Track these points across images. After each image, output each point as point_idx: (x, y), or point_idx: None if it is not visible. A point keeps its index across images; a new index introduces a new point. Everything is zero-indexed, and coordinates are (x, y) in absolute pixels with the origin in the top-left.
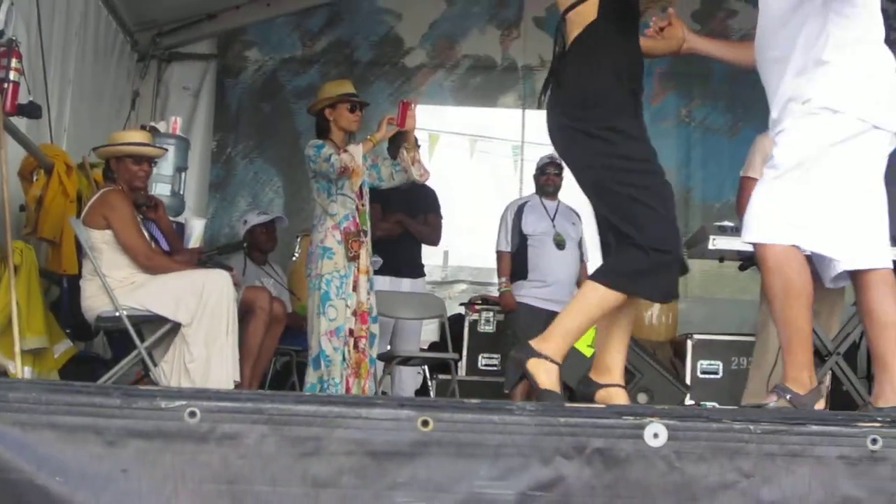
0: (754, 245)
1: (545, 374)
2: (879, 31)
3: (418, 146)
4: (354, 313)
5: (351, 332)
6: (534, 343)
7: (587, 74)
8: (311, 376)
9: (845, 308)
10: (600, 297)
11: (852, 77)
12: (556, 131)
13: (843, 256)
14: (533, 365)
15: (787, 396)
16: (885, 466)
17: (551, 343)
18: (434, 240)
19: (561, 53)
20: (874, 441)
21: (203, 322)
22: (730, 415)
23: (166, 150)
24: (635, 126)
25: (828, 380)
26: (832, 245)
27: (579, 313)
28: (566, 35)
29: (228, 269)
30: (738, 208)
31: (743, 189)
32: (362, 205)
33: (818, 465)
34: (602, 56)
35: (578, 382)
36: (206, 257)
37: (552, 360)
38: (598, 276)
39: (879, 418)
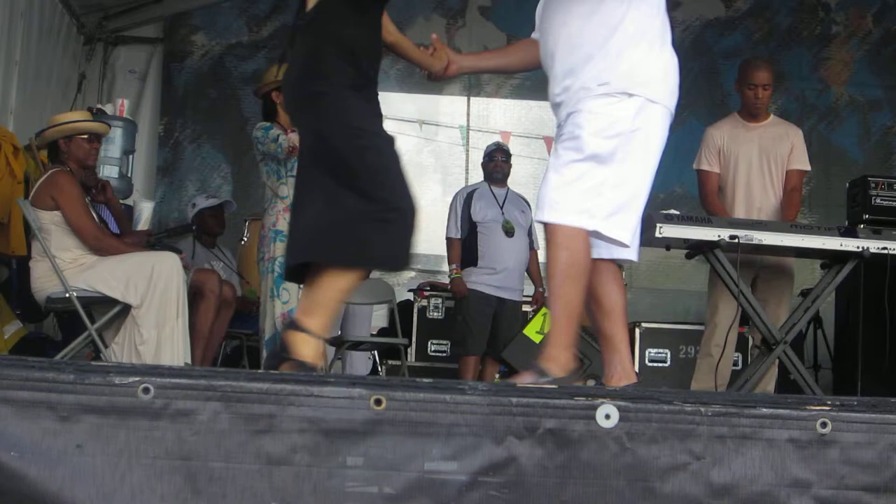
0: (545, 223)
1: (305, 347)
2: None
3: None
4: None
5: None
6: (299, 316)
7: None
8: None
9: (793, 298)
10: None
11: (646, 60)
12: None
13: (627, 239)
14: (291, 336)
15: (543, 379)
16: (835, 450)
17: (315, 319)
18: None
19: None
20: (824, 424)
21: (153, 304)
22: (681, 397)
23: (110, 125)
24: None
25: (775, 368)
26: (620, 229)
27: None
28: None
29: (178, 251)
30: (702, 201)
31: (703, 182)
32: None
33: (768, 448)
34: (334, 29)
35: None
36: (155, 240)
37: (315, 335)
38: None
39: (829, 402)
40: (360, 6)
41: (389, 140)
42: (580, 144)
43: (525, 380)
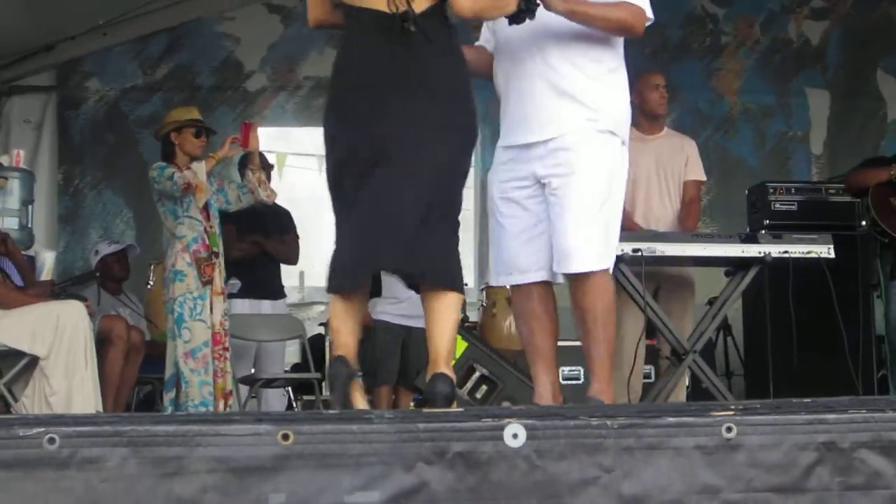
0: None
1: None
2: None
3: (271, 166)
4: (210, 336)
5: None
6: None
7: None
8: (164, 399)
9: (698, 306)
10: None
11: (621, 99)
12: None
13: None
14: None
15: None
16: (741, 453)
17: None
18: (292, 258)
19: None
20: (729, 429)
21: (61, 354)
22: (587, 411)
23: (6, 177)
24: None
25: (685, 378)
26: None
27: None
28: None
29: (83, 299)
30: None
31: None
32: (210, 227)
33: (676, 456)
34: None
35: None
36: (60, 289)
37: None
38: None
39: (733, 406)
40: None
41: None
42: (580, 189)
43: None
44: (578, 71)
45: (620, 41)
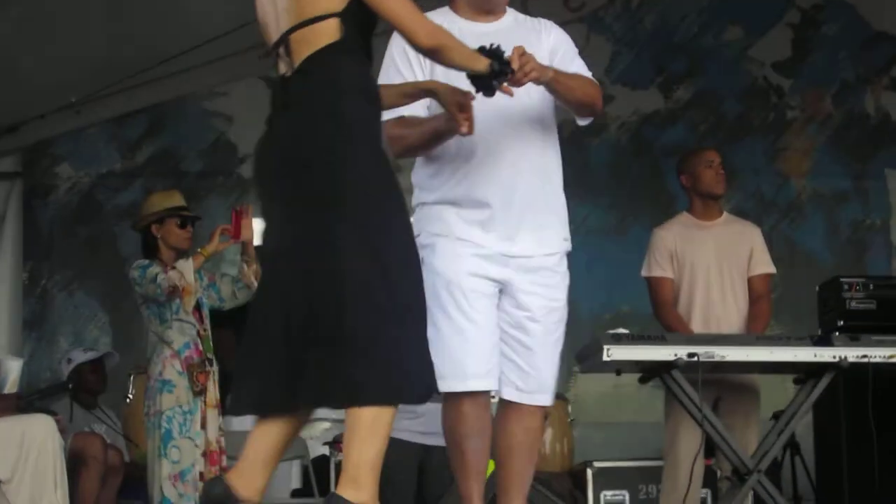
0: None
1: None
2: None
3: None
4: (204, 454)
5: (201, 475)
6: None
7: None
8: None
9: (762, 421)
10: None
11: None
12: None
13: None
14: None
15: None
16: None
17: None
18: None
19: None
20: None
21: (26, 476)
22: None
23: None
24: None
25: (750, 500)
26: None
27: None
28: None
29: (53, 414)
30: (656, 312)
31: (656, 291)
32: (204, 330)
33: None
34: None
35: None
36: (26, 403)
37: None
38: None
39: None
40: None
41: None
42: (559, 317)
43: None
44: (552, 178)
45: None
